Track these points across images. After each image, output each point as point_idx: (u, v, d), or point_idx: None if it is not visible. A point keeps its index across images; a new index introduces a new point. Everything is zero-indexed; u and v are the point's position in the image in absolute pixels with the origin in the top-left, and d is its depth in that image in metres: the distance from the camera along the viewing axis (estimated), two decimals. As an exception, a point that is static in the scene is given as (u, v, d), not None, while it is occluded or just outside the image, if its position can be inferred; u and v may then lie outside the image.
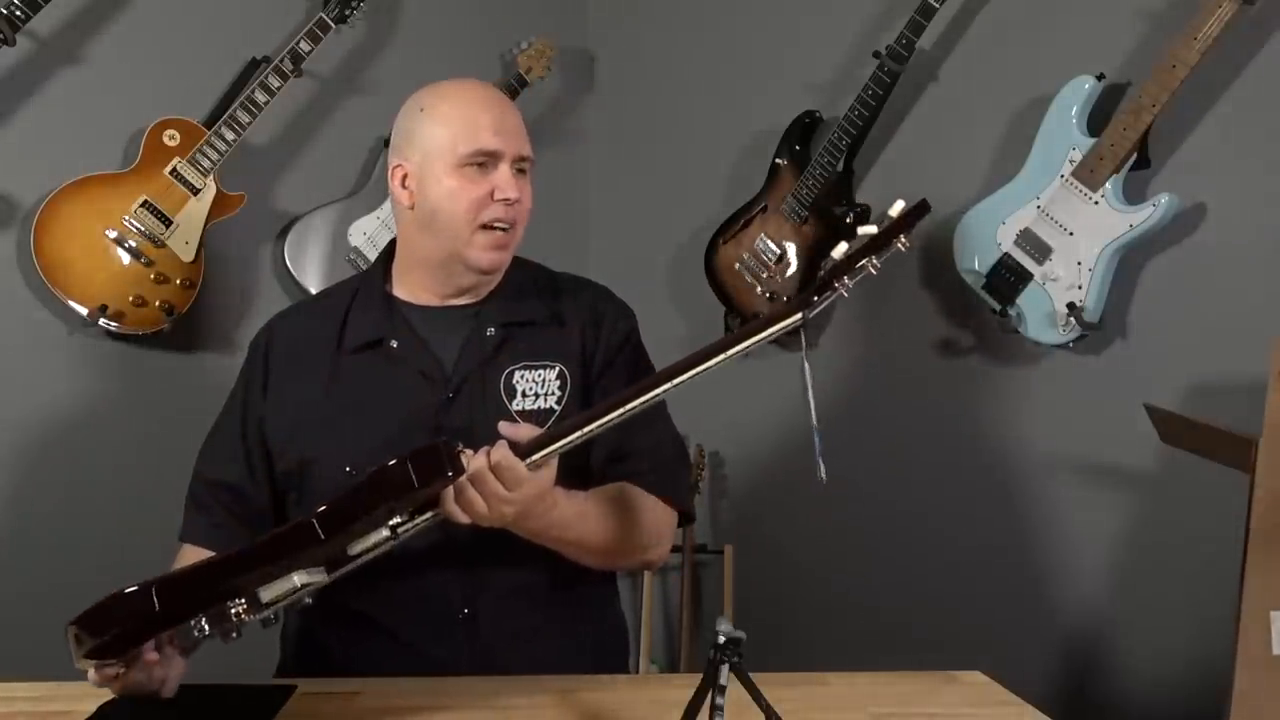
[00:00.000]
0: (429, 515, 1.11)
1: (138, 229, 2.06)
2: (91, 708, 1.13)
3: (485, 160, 1.33)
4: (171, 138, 2.09)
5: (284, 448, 1.39)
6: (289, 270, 2.31)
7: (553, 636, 1.38)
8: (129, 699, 1.13)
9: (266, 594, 1.04)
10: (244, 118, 2.11)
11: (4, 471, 2.08)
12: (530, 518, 1.21)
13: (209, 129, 2.11)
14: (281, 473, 1.40)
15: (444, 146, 1.34)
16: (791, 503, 2.43)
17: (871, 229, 1.13)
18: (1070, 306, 1.90)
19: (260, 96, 2.12)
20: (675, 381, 1.12)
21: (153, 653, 1.08)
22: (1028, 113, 2.02)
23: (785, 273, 2.32)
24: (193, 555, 1.39)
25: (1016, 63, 2.08)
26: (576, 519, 1.28)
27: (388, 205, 2.31)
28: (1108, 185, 1.86)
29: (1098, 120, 1.90)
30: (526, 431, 1.17)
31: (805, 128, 2.34)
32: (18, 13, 1.90)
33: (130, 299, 2.05)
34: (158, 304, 2.08)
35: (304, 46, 2.15)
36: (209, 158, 2.10)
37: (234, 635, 1.05)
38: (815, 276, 1.17)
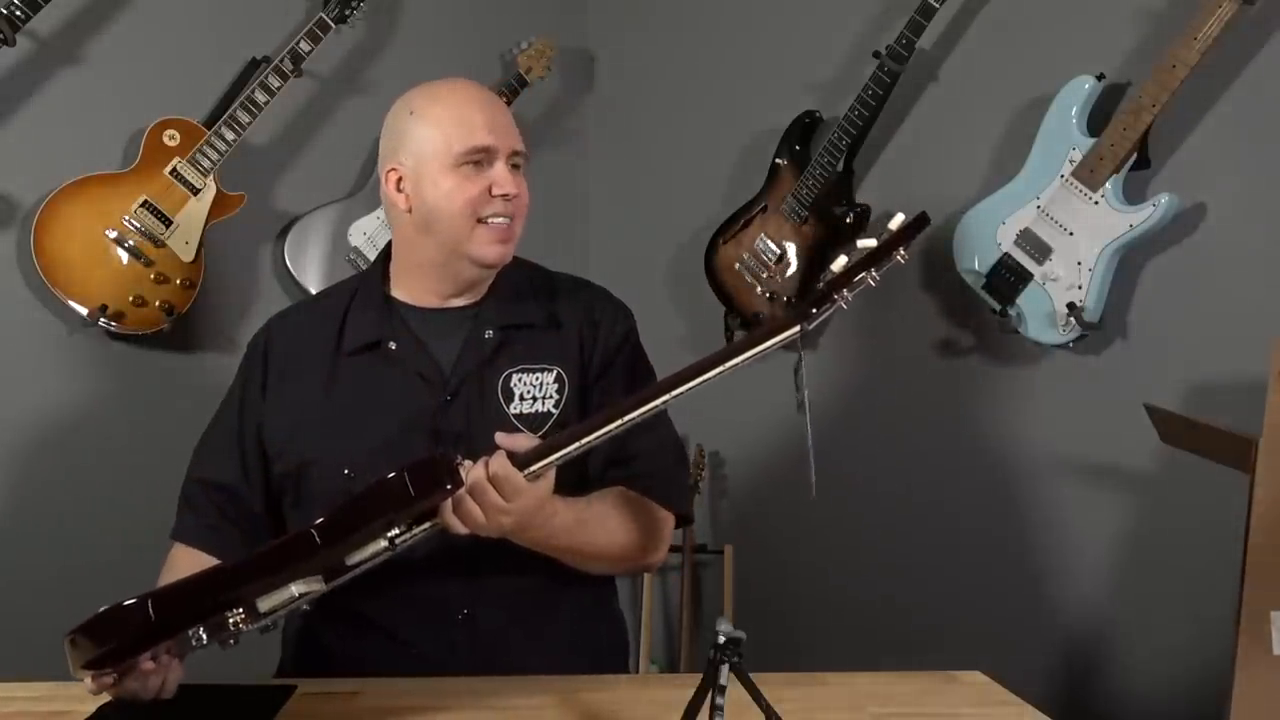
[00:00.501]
0: (427, 525, 1.11)
1: (138, 229, 2.06)
2: (91, 708, 1.13)
3: (481, 158, 1.34)
4: (171, 138, 2.09)
5: (282, 449, 1.39)
6: (289, 270, 2.31)
7: (552, 637, 1.38)
8: (129, 700, 1.13)
9: (264, 604, 1.04)
10: (244, 118, 2.11)
11: (3, 471, 2.07)
12: (529, 528, 1.21)
13: (209, 129, 2.11)
14: (279, 474, 1.40)
15: (438, 147, 1.34)
16: (791, 503, 2.43)
17: (871, 242, 1.14)
18: (1070, 306, 1.90)
19: (260, 96, 2.12)
20: (675, 393, 1.12)
21: (149, 662, 1.08)
22: (1028, 113, 2.02)
23: (785, 273, 2.32)
24: (184, 555, 1.39)
25: (1016, 63, 2.08)
26: (576, 527, 1.28)
27: (388, 205, 2.31)
28: (1108, 185, 1.86)
29: (1098, 120, 1.90)
30: (524, 441, 1.17)
31: (805, 128, 2.34)
32: (18, 13, 1.90)
33: (130, 299, 2.05)
34: (158, 304, 2.08)
35: (304, 46, 2.15)
36: (209, 158, 2.10)
37: (231, 643, 1.05)
38: (814, 285, 1.18)
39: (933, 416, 2.26)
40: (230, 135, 2.11)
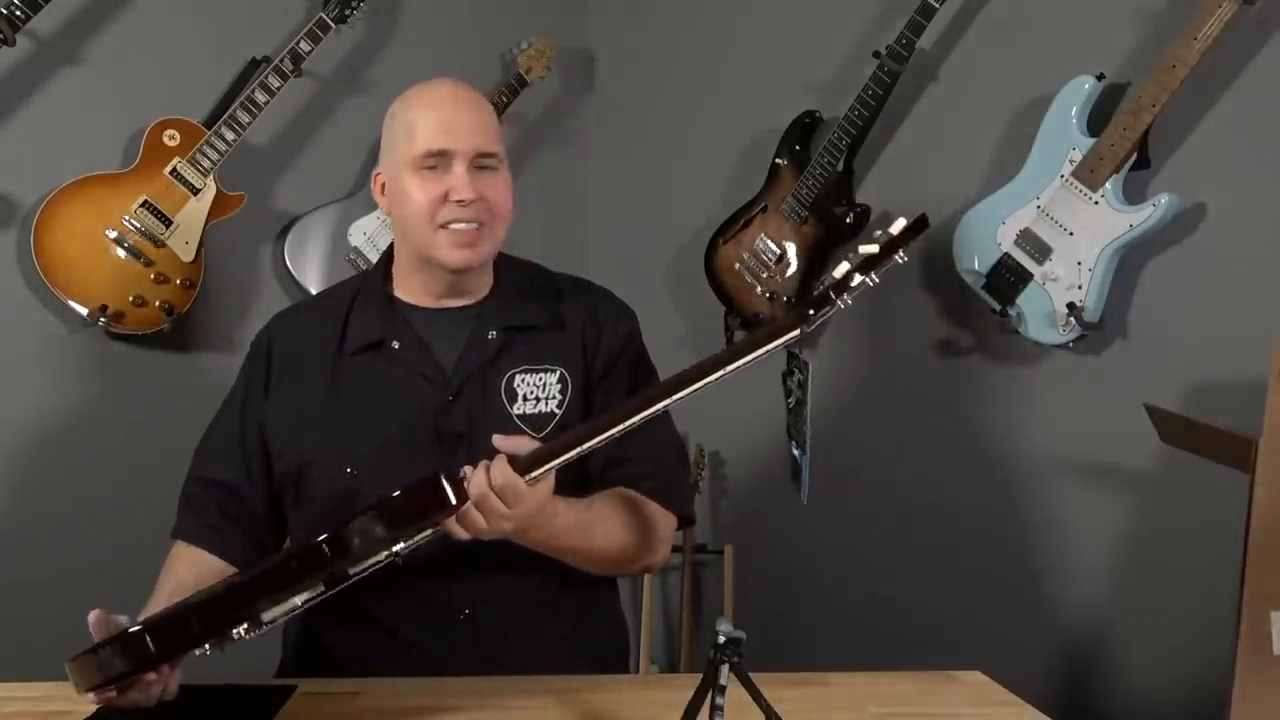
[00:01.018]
0: (428, 532, 1.11)
1: (138, 229, 2.06)
2: (92, 708, 1.13)
3: (436, 162, 1.32)
4: (171, 138, 2.09)
5: (284, 449, 1.39)
6: (289, 270, 2.31)
7: (553, 637, 1.38)
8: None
9: (268, 615, 1.05)
10: (244, 118, 2.11)
11: (3, 471, 2.08)
12: (531, 529, 1.21)
13: (209, 129, 2.11)
14: (280, 473, 1.40)
15: (400, 150, 1.35)
16: (791, 503, 2.42)
17: (873, 248, 1.14)
18: (1070, 306, 1.90)
19: (260, 96, 2.12)
20: (675, 397, 1.12)
21: (151, 674, 1.08)
22: (1028, 113, 2.02)
23: (785, 273, 2.32)
24: (185, 553, 1.39)
25: (1016, 63, 2.08)
26: (577, 528, 1.28)
27: (388, 205, 2.31)
28: (1108, 185, 1.86)
29: (1098, 120, 1.90)
30: (523, 443, 1.17)
31: (805, 128, 2.34)
32: (18, 13, 1.90)
33: (130, 299, 2.05)
34: (158, 304, 2.08)
35: (304, 46, 2.15)
36: (209, 158, 2.10)
37: (229, 644, 1.06)
38: (814, 287, 1.18)
39: (933, 416, 2.26)
40: (230, 135, 2.11)
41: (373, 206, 2.34)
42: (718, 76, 2.57)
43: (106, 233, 2.04)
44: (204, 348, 2.23)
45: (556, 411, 1.37)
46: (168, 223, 2.08)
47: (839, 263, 1.15)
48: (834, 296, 1.12)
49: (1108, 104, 1.91)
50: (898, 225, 1.15)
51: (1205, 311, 1.84)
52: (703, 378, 1.12)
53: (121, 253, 2.05)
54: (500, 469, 1.13)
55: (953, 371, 2.22)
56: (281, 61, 2.13)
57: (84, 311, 2.02)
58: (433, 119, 1.33)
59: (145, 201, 2.06)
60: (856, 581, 2.39)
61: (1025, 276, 1.97)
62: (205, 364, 2.22)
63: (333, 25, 2.17)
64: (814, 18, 2.40)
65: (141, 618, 1.23)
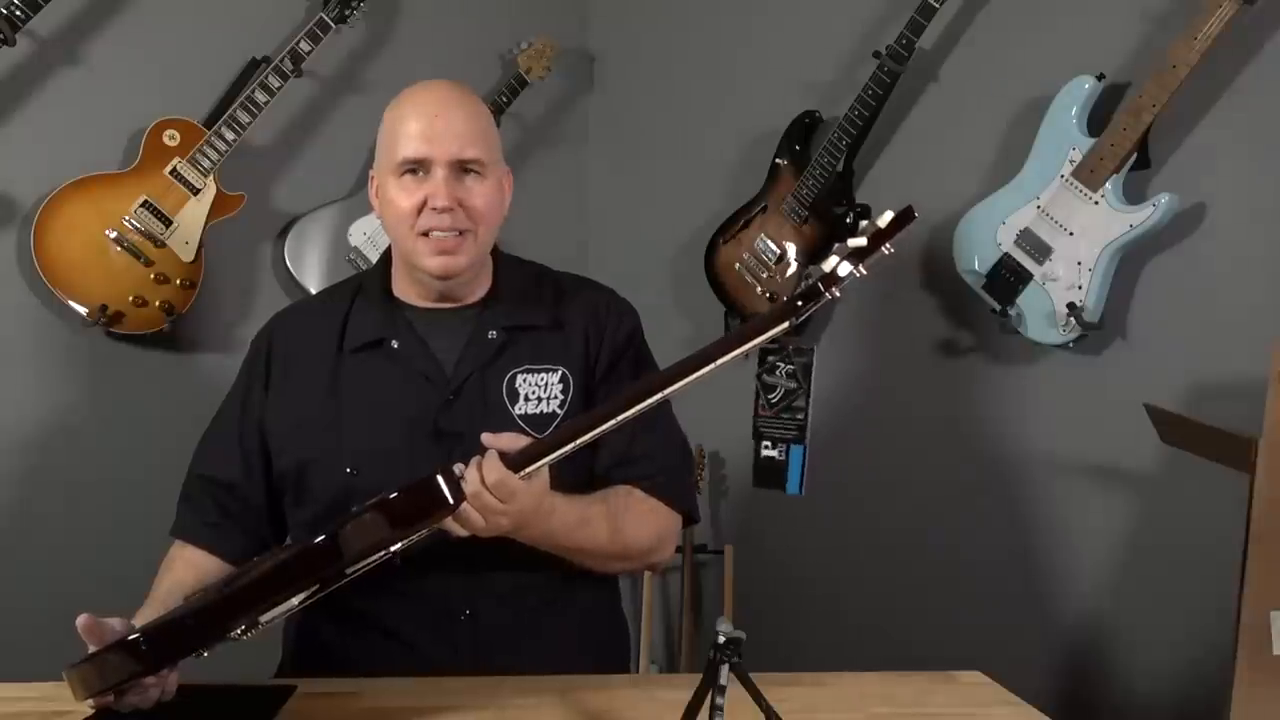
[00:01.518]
0: (424, 532, 1.11)
1: (138, 229, 2.06)
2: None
3: (416, 167, 1.33)
4: (171, 138, 2.09)
5: (283, 447, 1.39)
6: (289, 270, 2.31)
7: (553, 636, 1.38)
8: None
9: (266, 616, 1.05)
10: (244, 118, 2.11)
11: (4, 471, 2.08)
12: (528, 525, 1.21)
13: (209, 129, 2.11)
14: (280, 472, 1.40)
15: (384, 156, 1.36)
16: (792, 503, 2.43)
17: (861, 241, 1.13)
18: (1070, 306, 1.90)
19: (260, 96, 2.12)
20: (666, 391, 1.11)
21: (150, 677, 1.08)
22: (1028, 113, 2.02)
23: (785, 273, 2.32)
24: (184, 551, 1.40)
25: (1016, 63, 2.08)
26: (578, 525, 1.28)
27: (388, 205, 2.31)
28: (1108, 185, 1.86)
29: (1098, 120, 1.90)
30: (509, 440, 1.16)
31: (805, 128, 2.34)
32: (18, 13, 1.90)
33: (130, 299, 2.05)
34: (158, 304, 2.08)
35: (304, 46, 2.15)
36: (209, 158, 2.10)
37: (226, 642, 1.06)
38: (801, 281, 1.17)
39: (932, 416, 2.25)
40: (230, 135, 2.11)
41: (373, 207, 2.34)
42: (718, 76, 2.57)
43: (106, 233, 2.04)
44: (204, 348, 2.24)
45: (559, 411, 1.37)
46: (168, 223, 2.08)
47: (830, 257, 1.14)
48: (822, 289, 1.12)
49: (1108, 104, 1.91)
50: (885, 217, 1.14)
51: (1205, 311, 1.84)
52: (693, 371, 1.11)
53: (121, 253, 2.05)
54: (492, 465, 1.13)
55: (953, 371, 2.22)
56: (281, 61, 2.13)
57: (84, 312, 2.02)
58: (415, 126, 1.32)
59: (145, 201, 2.06)
60: (856, 581, 2.39)
61: (1025, 276, 1.96)
62: (205, 364, 2.22)
63: (333, 25, 2.18)
64: (814, 18, 2.40)
65: (139, 617, 1.24)
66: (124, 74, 2.13)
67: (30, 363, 2.08)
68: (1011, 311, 1.99)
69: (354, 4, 2.20)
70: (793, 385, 1.17)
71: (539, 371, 1.38)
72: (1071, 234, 1.91)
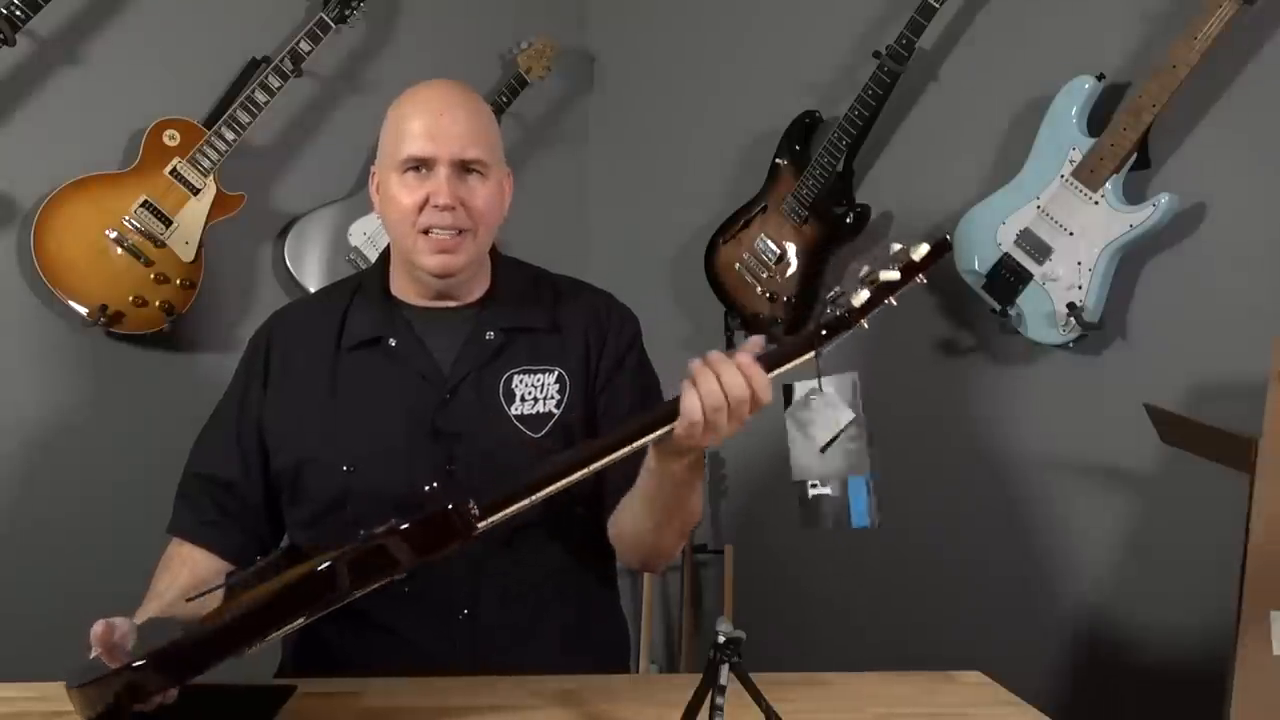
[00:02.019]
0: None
1: (138, 229, 2.06)
2: (92, 708, 1.13)
3: (419, 165, 1.33)
4: (171, 138, 2.09)
5: (281, 445, 1.39)
6: (289, 270, 2.31)
7: (553, 636, 1.38)
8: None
9: (272, 635, 1.04)
10: (244, 118, 2.11)
11: (4, 471, 2.08)
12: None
13: (209, 129, 2.11)
14: (278, 470, 1.40)
15: (387, 153, 1.36)
16: (792, 503, 2.42)
17: (894, 274, 1.13)
18: (1070, 306, 1.90)
19: (260, 96, 2.12)
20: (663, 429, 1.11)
21: None
22: (1028, 113, 2.02)
23: (785, 273, 2.32)
24: (181, 550, 1.39)
25: (1016, 63, 2.08)
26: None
27: (388, 205, 2.31)
28: (1108, 185, 1.86)
29: (1098, 120, 1.90)
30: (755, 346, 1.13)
31: (805, 128, 2.34)
32: (18, 13, 1.90)
33: (130, 299, 2.05)
34: (158, 304, 2.08)
35: (304, 46, 2.15)
36: (209, 158, 2.10)
37: None
38: (822, 301, 1.17)
39: (932, 416, 2.25)
40: (230, 135, 2.11)
41: (373, 206, 2.34)
42: (718, 76, 2.57)
43: (107, 233, 2.04)
44: (204, 348, 2.24)
45: (555, 411, 1.37)
46: (168, 223, 2.08)
47: (848, 271, 1.15)
48: (849, 320, 1.13)
49: (1108, 104, 1.91)
50: (920, 250, 1.14)
51: (1205, 311, 1.84)
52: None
53: (121, 253, 2.05)
54: (766, 382, 1.10)
55: (953, 371, 2.21)
56: (281, 61, 2.13)
57: (84, 312, 2.02)
58: (420, 124, 1.33)
59: (145, 201, 2.06)
60: (856, 581, 2.39)
61: (1025, 276, 1.96)
62: (205, 364, 2.22)
63: (333, 25, 2.18)
64: (814, 18, 2.40)
65: (138, 616, 1.24)
66: (124, 74, 2.13)
67: (30, 363, 2.08)
68: (1011, 311, 1.99)
69: (354, 4, 2.20)
70: (838, 417, 1.16)
71: (536, 372, 1.39)
72: (1071, 234, 1.91)
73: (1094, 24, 1.96)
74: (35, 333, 2.07)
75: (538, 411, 1.37)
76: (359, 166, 2.39)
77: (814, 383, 1.15)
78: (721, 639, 0.93)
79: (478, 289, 1.43)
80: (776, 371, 1.12)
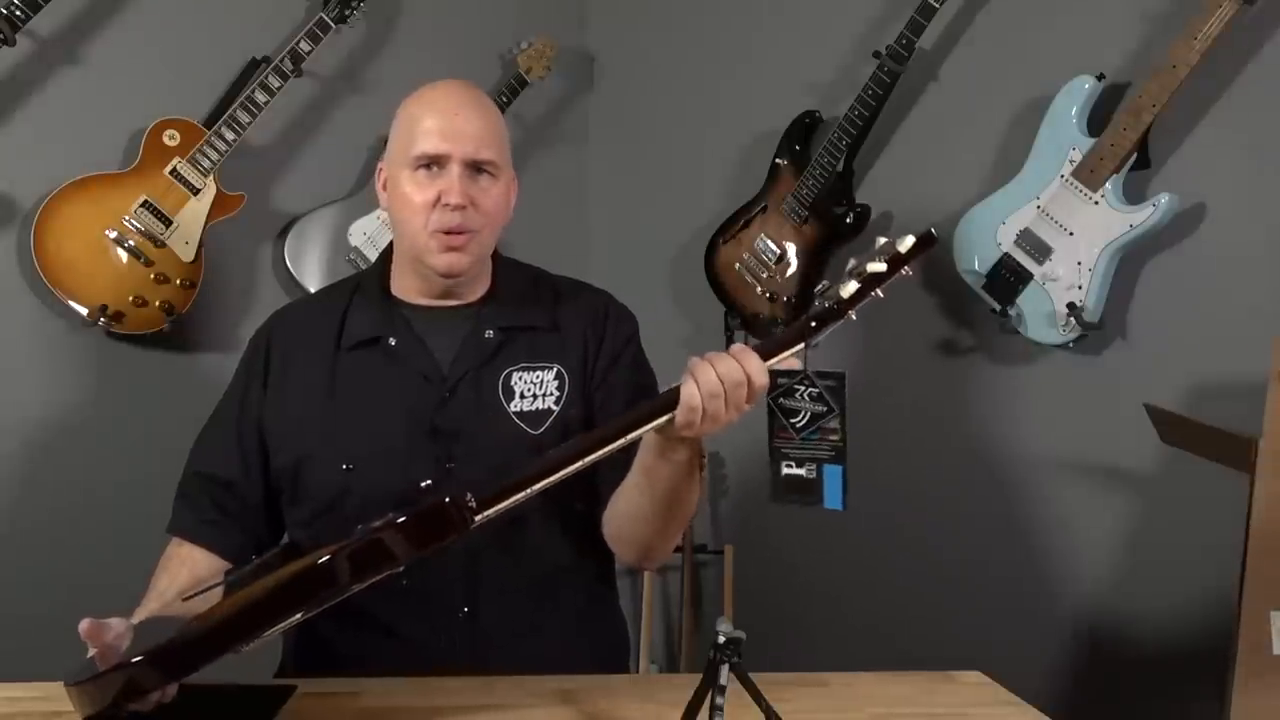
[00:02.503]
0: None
1: (138, 229, 2.06)
2: (92, 707, 1.13)
3: (431, 163, 1.33)
4: (171, 138, 2.09)
5: (281, 444, 1.39)
6: (289, 270, 2.31)
7: (553, 636, 1.38)
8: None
9: (269, 631, 1.04)
10: (244, 118, 2.11)
11: (4, 471, 2.08)
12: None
13: (209, 129, 2.11)
14: (277, 469, 1.40)
15: (399, 150, 1.36)
16: (792, 503, 2.43)
17: (880, 266, 1.15)
18: (1070, 306, 1.90)
19: (260, 96, 2.12)
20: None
21: None
22: (1028, 113, 2.02)
23: (785, 273, 2.32)
24: (181, 549, 1.39)
25: (1016, 63, 2.08)
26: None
27: (388, 205, 2.31)
28: (1108, 185, 1.86)
29: (1098, 120, 1.90)
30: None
31: (805, 128, 2.34)
32: (18, 13, 1.90)
33: (130, 299, 2.05)
34: (158, 304, 2.08)
35: (304, 46, 2.15)
36: (209, 158, 2.10)
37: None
38: (814, 295, 1.19)
39: (932, 416, 2.26)
40: (230, 135, 2.11)
41: (373, 206, 2.34)
42: (718, 76, 2.57)
43: (107, 233, 2.04)
44: (204, 348, 2.23)
45: (554, 409, 1.37)
46: (168, 223, 2.08)
47: (841, 267, 1.16)
48: (839, 311, 1.13)
49: (1108, 104, 1.91)
50: (905, 242, 1.15)
51: (1205, 311, 1.84)
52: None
53: (122, 253, 2.05)
54: (761, 367, 1.12)
55: (953, 371, 2.22)
56: (281, 61, 2.13)
57: (84, 312, 2.02)
58: (434, 122, 1.33)
59: (145, 201, 2.06)
60: (856, 581, 2.39)
61: (1025, 276, 1.97)
62: (205, 364, 2.22)
63: (333, 25, 2.18)
64: (814, 18, 2.40)
65: (136, 615, 1.24)
66: (124, 74, 2.13)
67: (30, 363, 2.08)
68: (1011, 311, 1.99)
69: (354, 4, 2.20)
70: (821, 409, 1.17)
71: (535, 369, 1.39)
72: (1071, 234, 1.91)
73: (1094, 24, 1.96)
74: (35, 333, 2.07)
75: (537, 408, 1.37)
76: (359, 166, 2.39)
77: (804, 373, 1.16)
78: (721, 639, 0.94)
79: (479, 288, 1.43)
80: (770, 362, 1.14)
